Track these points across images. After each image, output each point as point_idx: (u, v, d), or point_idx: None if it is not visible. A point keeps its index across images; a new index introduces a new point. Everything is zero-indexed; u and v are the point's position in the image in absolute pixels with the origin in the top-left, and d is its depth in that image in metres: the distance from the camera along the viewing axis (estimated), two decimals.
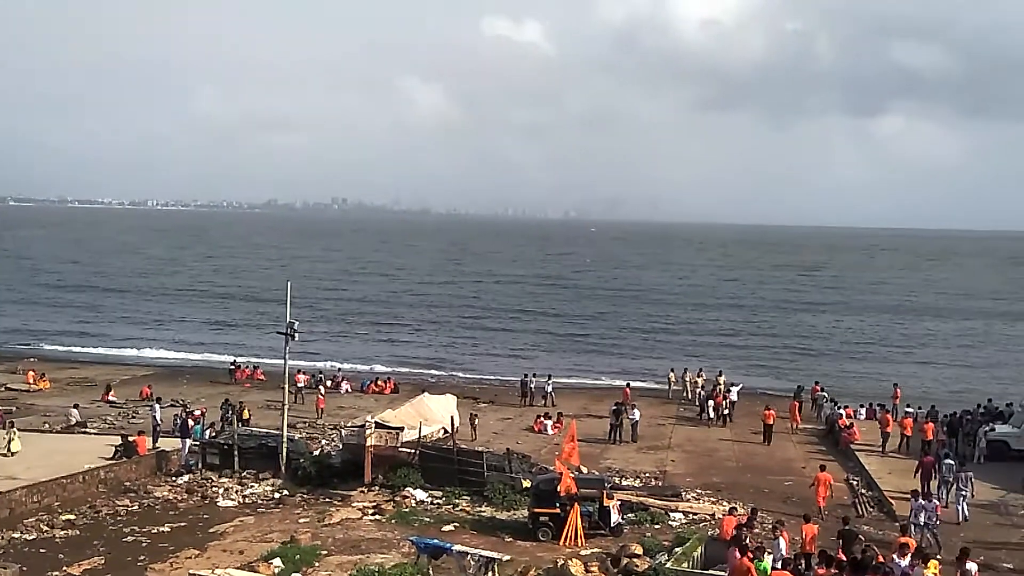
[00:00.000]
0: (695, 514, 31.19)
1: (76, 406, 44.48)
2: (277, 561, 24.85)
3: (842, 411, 46.52)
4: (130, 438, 36.12)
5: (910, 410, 46.16)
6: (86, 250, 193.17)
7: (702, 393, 51.56)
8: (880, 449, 40.76)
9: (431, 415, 37.65)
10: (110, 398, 49.47)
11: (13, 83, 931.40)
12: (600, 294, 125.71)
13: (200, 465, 36.15)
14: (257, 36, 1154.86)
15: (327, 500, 32.39)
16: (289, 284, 38.26)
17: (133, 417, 44.99)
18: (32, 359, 64.13)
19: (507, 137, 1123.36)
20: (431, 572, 24.15)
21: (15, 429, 36.56)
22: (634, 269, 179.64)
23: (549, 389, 52.68)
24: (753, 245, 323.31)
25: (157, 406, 40.78)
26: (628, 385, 54.25)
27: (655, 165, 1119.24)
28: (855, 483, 36.15)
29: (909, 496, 28.83)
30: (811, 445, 43.68)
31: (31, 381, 53.26)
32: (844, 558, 21.91)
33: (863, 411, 48.57)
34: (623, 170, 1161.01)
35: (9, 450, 34.85)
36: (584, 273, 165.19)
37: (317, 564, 25.20)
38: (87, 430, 41.74)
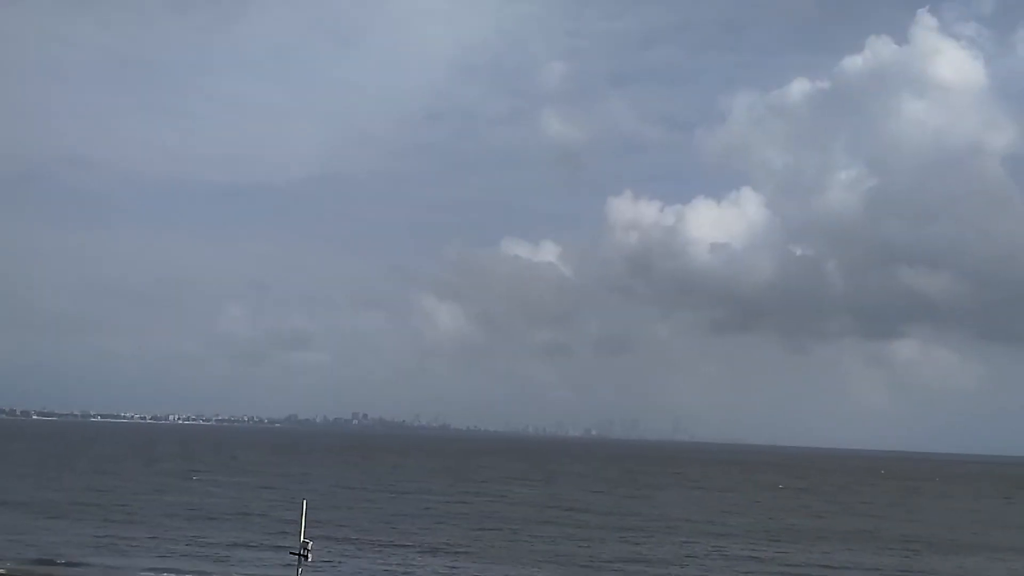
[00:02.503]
0: None
1: None
2: None
3: None
4: None
5: None
6: (90, 467, 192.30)
7: None
8: None
9: None
10: None
11: (35, 303, 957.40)
12: (612, 518, 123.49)
13: None
14: (282, 257, 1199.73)
15: None
16: (305, 503, 38.21)
17: None
18: None
19: (525, 355, 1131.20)
20: None
21: None
22: (650, 490, 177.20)
23: None
24: (765, 467, 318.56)
25: None
26: None
27: (674, 385, 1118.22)
28: None
29: None
30: None
31: None
32: None
33: None
34: (642, 389, 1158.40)
35: None
36: (599, 495, 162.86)
37: None
38: None
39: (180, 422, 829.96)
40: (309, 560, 37.01)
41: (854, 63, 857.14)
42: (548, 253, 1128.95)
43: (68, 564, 75.62)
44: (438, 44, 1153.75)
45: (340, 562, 78.43)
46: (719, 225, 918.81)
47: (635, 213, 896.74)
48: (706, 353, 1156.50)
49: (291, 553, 37.74)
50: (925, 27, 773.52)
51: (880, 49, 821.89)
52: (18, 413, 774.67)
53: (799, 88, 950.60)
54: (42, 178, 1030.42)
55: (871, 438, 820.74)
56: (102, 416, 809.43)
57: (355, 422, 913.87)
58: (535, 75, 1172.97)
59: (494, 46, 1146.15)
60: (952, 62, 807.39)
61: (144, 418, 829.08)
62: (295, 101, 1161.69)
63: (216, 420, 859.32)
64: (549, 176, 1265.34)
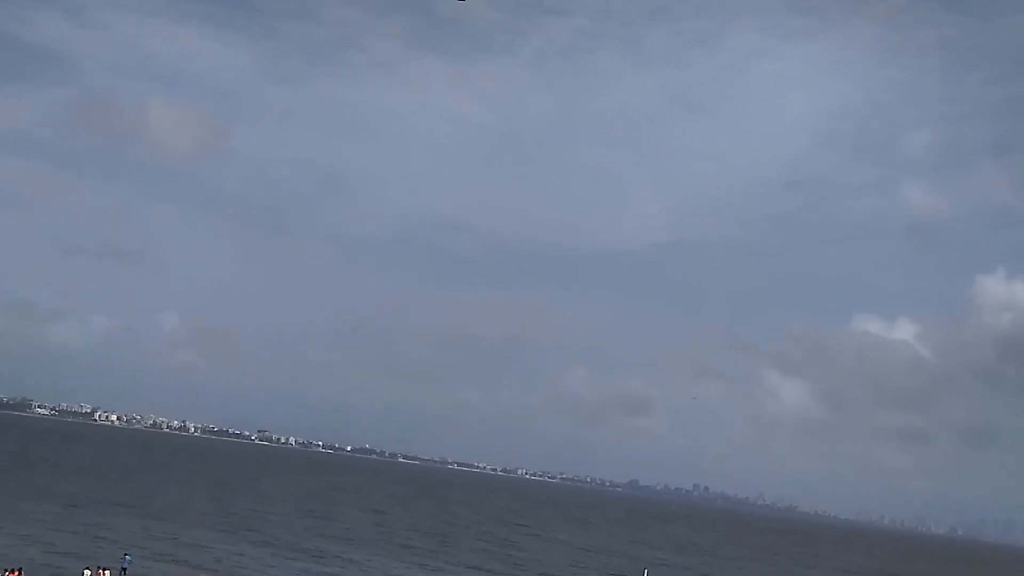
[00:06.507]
0: None
1: None
2: None
3: None
4: None
5: None
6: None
7: None
8: None
9: None
10: None
11: (399, 351, 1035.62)
12: None
13: None
14: (624, 321, 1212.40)
15: None
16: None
17: None
18: None
19: (877, 439, 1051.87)
20: None
21: None
22: None
23: None
24: None
25: None
26: None
27: None
28: None
29: None
30: None
31: None
32: None
33: None
34: (1017, 489, 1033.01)
35: None
36: None
37: None
38: None
39: (528, 476, 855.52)
40: None
41: None
42: (904, 331, 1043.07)
43: None
44: (799, 111, 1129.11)
45: None
46: None
47: (1009, 293, 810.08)
48: None
49: None
50: None
51: None
52: (386, 455, 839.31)
53: None
54: (419, 238, 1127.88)
55: None
56: (458, 464, 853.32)
57: (695, 494, 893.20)
58: (901, 143, 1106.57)
59: (860, 113, 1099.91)
60: None
61: (495, 470, 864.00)
62: (647, 169, 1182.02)
63: (561, 478, 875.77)
64: (907, 250, 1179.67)
